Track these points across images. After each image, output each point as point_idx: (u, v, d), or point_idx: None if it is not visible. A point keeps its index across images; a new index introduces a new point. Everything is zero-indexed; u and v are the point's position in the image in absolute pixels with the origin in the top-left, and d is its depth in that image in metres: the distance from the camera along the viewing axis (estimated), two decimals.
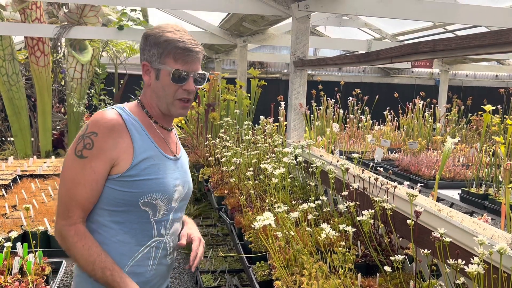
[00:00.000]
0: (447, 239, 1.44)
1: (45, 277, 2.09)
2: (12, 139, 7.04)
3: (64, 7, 6.72)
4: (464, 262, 1.36)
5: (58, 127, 7.49)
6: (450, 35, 6.50)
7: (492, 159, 3.55)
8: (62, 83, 7.49)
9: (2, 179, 3.71)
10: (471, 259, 1.32)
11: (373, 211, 1.83)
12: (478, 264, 1.27)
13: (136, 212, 1.45)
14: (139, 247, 1.48)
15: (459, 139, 3.49)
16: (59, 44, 7.19)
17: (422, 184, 2.51)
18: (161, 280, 1.59)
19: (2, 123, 7.50)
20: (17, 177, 3.85)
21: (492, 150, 3.63)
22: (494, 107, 3.62)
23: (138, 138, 1.46)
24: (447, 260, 1.40)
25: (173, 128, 1.66)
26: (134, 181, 1.42)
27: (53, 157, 5.07)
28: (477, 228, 1.53)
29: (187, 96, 1.51)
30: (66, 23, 6.14)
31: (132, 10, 6.29)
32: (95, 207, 1.44)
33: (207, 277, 3.57)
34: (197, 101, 5.10)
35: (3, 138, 7.56)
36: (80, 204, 1.40)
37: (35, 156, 4.98)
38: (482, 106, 3.69)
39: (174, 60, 1.46)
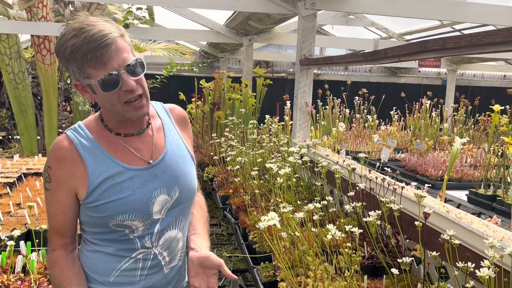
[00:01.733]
0: (456, 241, 1.41)
1: (47, 277, 2.08)
2: (18, 137, 7.07)
3: (70, 5, 6.72)
4: (473, 265, 1.32)
5: (64, 125, 7.51)
6: (457, 34, 6.43)
7: (501, 159, 3.50)
8: (68, 81, 7.51)
9: (7, 177, 3.71)
10: (480, 262, 1.29)
11: (380, 212, 1.80)
12: (489, 268, 1.24)
13: (112, 233, 1.39)
14: (122, 259, 1.41)
15: (468, 139, 3.44)
16: None
17: (429, 185, 2.48)
18: None
19: (9, 121, 7.54)
20: (22, 175, 3.85)
21: (501, 151, 3.58)
22: (502, 107, 3.57)
23: (91, 161, 1.34)
24: (456, 263, 1.37)
25: (147, 127, 1.44)
26: (95, 207, 1.34)
27: None
28: (487, 230, 1.50)
29: (131, 95, 1.29)
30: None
31: (137, 9, 6.28)
32: (80, 227, 1.46)
33: None
34: (202, 100, 5.09)
35: (9, 136, 7.59)
36: (56, 231, 1.41)
37: (40, 154, 4.99)
38: (490, 106, 3.64)
39: (93, 68, 1.24)
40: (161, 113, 1.53)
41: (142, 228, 1.39)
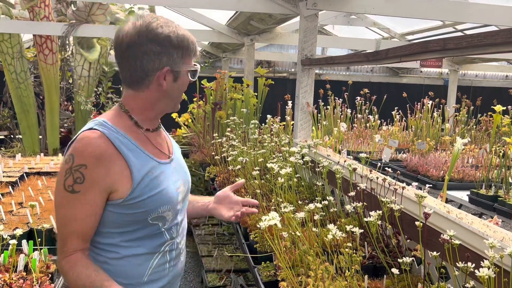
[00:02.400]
0: (457, 242, 1.42)
1: (50, 275, 2.09)
2: (20, 136, 7.09)
3: (72, 5, 6.74)
4: (473, 265, 1.33)
5: (65, 125, 7.53)
6: (459, 34, 6.43)
7: (502, 160, 3.50)
8: (70, 81, 7.53)
9: (9, 176, 3.72)
10: (481, 262, 1.29)
11: (380, 212, 1.80)
12: (489, 268, 1.24)
13: (146, 228, 1.40)
14: (153, 255, 1.44)
15: (469, 139, 3.44)
16: (67, 42, 7.22)
17: (431, 185, 2.47)
18: (177, 278, 1.58)
19: (11, 120, 7.56)
20: (24, 174, 3.86)
21: (502, 151, 3.58)
22: (504, 108, 3.57)
23: (131, 156, 1.35)
24: (457, 263, 1.37)
25: (160, 126, 1.55)
26: (138, 202, 1.35)
27: (60, 154, 5.09)
28: (487, 231, 1.50)
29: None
30: (74, 21, 6.16)
31: (139, 9, 6.30)
32: (102, 231, 1.38)
33: (212, 276, 3.56)
34: (204, 99, 5.10)
35: (12, 136, 7.61)
36: (77, 236, 1.33)
37: (42, 154, 5.00)
38: (492, 107, 3.64)
39: (190, 57, 1.41)
40: None
41: (171, 219, 1.46)
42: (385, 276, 1.78)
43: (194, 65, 1.44)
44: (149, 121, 1.47)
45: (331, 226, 1.72)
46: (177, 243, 1.51)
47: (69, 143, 1.38)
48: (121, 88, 1.51)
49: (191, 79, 1.43)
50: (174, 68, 1.37)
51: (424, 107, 5.73)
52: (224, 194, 1.75)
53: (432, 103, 5.73)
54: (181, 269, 1.60)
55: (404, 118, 6.02)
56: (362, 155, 2.45)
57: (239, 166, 3.07)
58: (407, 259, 1.55)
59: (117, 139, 1.35)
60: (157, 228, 1.42)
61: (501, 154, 3.60)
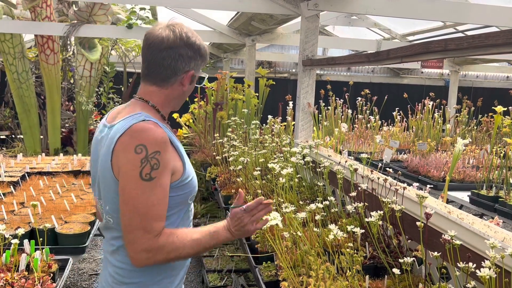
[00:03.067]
0: (458, 242, 1.42)
1: (51, 275, 2.10)
2: (22, 136, 7.10)
3: (74, 5, 6.75)
4: (474, 265, 1.33)
5: (67, 125, 7.53)
6: (460, 35, 6.43)
7: (503, 161, 3.50)
8: (72, 81, 7.54)
9: (11, 176, 3.73)
10: (482, 262, 1.29)
11: (381, 212, 1.80)
12: (490, 268, 1.24)
13: (184, 209, 1.54)
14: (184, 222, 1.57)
15: (470, 140, 3.45)
16: (68, 42, 7.23)
17: (432, 186, 2.48)
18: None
19: (12, 120, 7.57)
20: (26, 174, 3.87)
21: (503, 152, 3.58)
22: (505, 109, 3.57)
23: (176, 142, 1.52)
24: (457, 263, 1.38)
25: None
26: (186, 183, 1.50)
27: (61, 154, 5.10)
28: (488, 231, 1.50)
29: None
30: (75, 21, 6.17)
31: (141, 9, 6.30)
32: None
33: (213, 276, 3.56)
34: (205, 100, 5.10)
35: (13, 135, 7.62)
36: (159, 217, 1.40)
37: (43, 154, 5.01)
38: (493, 107, 3.64)
39: (202, 67, 1.61)
40: None
41: (193, 195, 1.60)
42: (386, 276, 1.78)
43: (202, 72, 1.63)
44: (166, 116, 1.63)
45: (332, 226, 1.73)
46: (191, 222, 1.64)
47: (118, 137, 1.41)
48: (140, 85, 1.61)
49: (197, 84, 1.63)
50: (196, 73, 1.58)
51: (425, 107, 5.73)
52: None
53: (433, 104, 5.73)
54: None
55: (405, 119, 6.02)
56: (363, 155, 2.45)
57: (240, 167, 3.07)
58: (408, 259, 1.55)
59: (164, 128, 1.49)
60: (187, 210, 1.56)
61: (502, 155, 3.60)
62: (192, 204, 1.63)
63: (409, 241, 1.95)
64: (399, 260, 1.59)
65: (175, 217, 1.51)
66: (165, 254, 1.39)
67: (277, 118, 4.28)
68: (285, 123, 4.31)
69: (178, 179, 1.47)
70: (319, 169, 2.62)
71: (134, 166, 1.36)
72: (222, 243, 1.54)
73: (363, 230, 1.82)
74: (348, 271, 1.68)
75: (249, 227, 1.51)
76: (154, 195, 1.38)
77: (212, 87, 5.04)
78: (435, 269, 1.73)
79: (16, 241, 2.09)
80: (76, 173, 4.04)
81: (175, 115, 5.10)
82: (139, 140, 1.38)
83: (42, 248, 2.23)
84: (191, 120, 5.31)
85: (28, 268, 2.10)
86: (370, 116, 5.74)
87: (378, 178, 2.10)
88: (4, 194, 3.22)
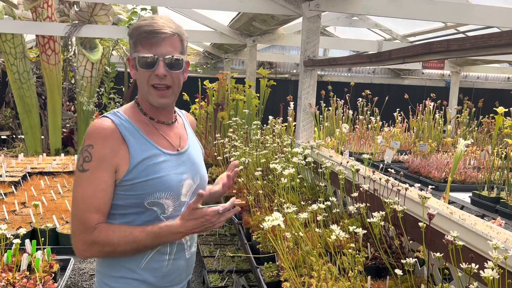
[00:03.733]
0: (460, 243, 1.42)
1: (53, 274, 2.09)
2: (23, 136, 7.10)
3: (75, 5, 6.76)
4: (477, 266, 1.33)
5: (68, 125, 7.54)
6: (461, 36, 6.42)
7: (504, 161, 3.50)
8: (72, 81, 7.54)
9: (12, 176, 3.73)
10: (484, 263, 1.29)
11: (383, 213, 1.80)
12: (493, 269, 1.24)
13: (144, 213, 1.46)
14: None
15: (472, 140, 3.44)
16: (69, 42, 7.24)
17: (433, 187, 2.47)
18: (182, 274, 1.60)
19: (13, 120, 7.58)
20: (27, 174, 3.87)
21: (504, 153, 3.57)
22: (506, 109, 3.57)
23: (132, 142, 1.45)
24: (460, 264, 1.37)
25: (175, 121, 1.62)
26: (134, 184, 1.43)
27: (62, 154, 5.10)
28: (491, 232, 1.50)
29: (158, 81, 1.46)
30: (77, 21, 6.17)
31: (142, 9, 6.31)
32: (112, 212, 1.47)
33: (214, 277, 3.56)
34: (206, 100, 5.10)
35: (14, 136, 7.63)
36: (95, 211, 1.40)
37: (44, 154, 5.01)
38: (494, 108, 3.64)
39: (142, 46, 1.44)
40: (180, 114, 1.72)
41: (172, 209, 1.50)
42: (388, 277, 1.78)
43: (143, 55, 1.43)
44: (155, 113, 1.54)
45: (334, 227, 1.72)
46: None
47: None
48: None
49: (140, 68, 1.45)
50: (132, 56, 1.48)
51: (426, 108, 5.73)
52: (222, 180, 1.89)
53: (433, 105, 5.73)
54: (186, 266, 1.61)
55: (405, 120, 6.02)
56: (365, 156, 2.45)
57: (241, 167, 3.07)
58: (411, 260, 1.55)
59: (123, 125, 1.46)
60: (156, 216, 1.47)
61: (503, 155, 3.60)
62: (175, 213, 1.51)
63: (411, 241, 1.94)
64: (401, 260, 1.59)
65: (133, 217, 1.46)
66: (99, 247, 1.39)
67: (278, 118, 4.27)
68: (286, 124, 4.30)
69: (121, 177, 1.42)
70: (320, 170, 2.62)
71: (76, 160, 1.47)
72: (171, 242, 1.49)
73: (365, 231, 1.82)
74: (350, 271, 1.67)
75: (213, 226, 1.48)
76: (89, 187, 1.39)
77: (213, 88, 5.04)
78: (437, 270, 1.72)
79: (17, 241, 2.09)
80: None
81: None
82: (85, 135, 1.45)
83: (44, 248, 2.23)
84: None
85: (29, 268, 2.10)
86: (371, 117, 5.74)
87: (380, 179, 2.10)
88: (5, 194, 3.22)
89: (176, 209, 1.52)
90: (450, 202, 3.40)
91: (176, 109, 1.69)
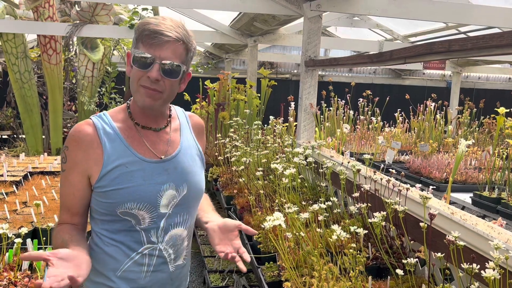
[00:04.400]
0: (461, 243, 1.42)
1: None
2: (24, 136, 7.11)
3: (76, 5, 6.77)
4: (478, 266, 1.33)
5: (69, 124, 7.55)
6: (462, 36, 6.41)
7: (505, 162, 3.50)
8: (74, 81, 7.55)
9: (13, 176, 3.74)
10: (485, 263, 1.29)
11: (384, 213, 1.80)
12: (494, 269, 1.24)
13: (119, 221, 1.41)
14: (130, 253, 1.43)
15: (473, 141, 3.43)
16: (71, 42, 7.25)
17: (434, 187, 2.48)
18: (162, 286, 1.49)
19: (14, 120, 7.59)
20: (28, 174, 3.87)
21: (505, 153, 3.57)
22: (507, 110, 3.57)
23: (109, 146, 1.39)
24: (461, 264, 1.37)
25: (166, 126, 1.50)
26: (105, 192, 1.38)
27: None
28: (492, 232, 1.50)
29: (149, 84, 1.35)
30: (78, 21, 6.18)
31: (143, 9, 6.31)
32: (91, 215, 1.48)
33: (215, 276, 3.56)
34: (207, 100, 5.11)
35: (15, 135, 7.64)
36: (66, 210, 1.44)
37: (46, 153, 5.01)
38: (495, 109, 3.64)
39: (142, 44, 1.35)
40: (181, 117, 1.59)
41: (148, 221, 1.42)
42: (389, 277, 1.78)
43: (140, 52, 1.35)
44: (142, 118, 1.45)
45: (335, 227, 1.73)
46: (160, 250, 1.45)
47: None
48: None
49: (135, 66, 1.36)
50: (131, 51, 1.41)
51: (427, 109, 5.73)
52: (228, 228, 1.51)
53: (434, 105, 5.73)
54: (170, 279, 1.50)
55: (406, 120, 6.02)
56: (366, 156, 2.45)
57: (242, 167, 3.07)
58: (412, 260, 1.55)
59: (103, 128, 1.41)
60: (131, 226, 1.41)
61: (504, 156, 3.59)
62: (157, 227, 1.43)
63: (412, 242, 1.95)
64: (402, 261, 1.59)
65: (109, 224, 1.42)
66: (53, 239, 1.43)
67: (279, 118, 4.28)
68: (287, 124, 4.31)
69: (93, 183, 1.39)
70: (321, 170, 2.62)
71: None
72: None
73: (366, 231, 1.82)
74: (351, 271, 1.67)
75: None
76: (63, 186, 1.43)
77: (214, 88, 5.04)
78: (438, 270, 1.72)
79: (19, 240, 2.09)
80: None
81: None
82: None
83: (45, 248, 2.23)
84: None
85: (31, 267, 2.10)
86: (372, 117, 5.74)
87: (381, 179, 2.10)
88: (6, 194, 3.22)
89: (153, 221, 1.42)
90: (451, 203, 3.40)
91: (178, 109, 1.61)
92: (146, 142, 1.45)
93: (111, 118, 1.45)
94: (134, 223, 1.40)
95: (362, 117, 5.63)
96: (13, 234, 2.16)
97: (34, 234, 2.51)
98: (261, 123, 4.12)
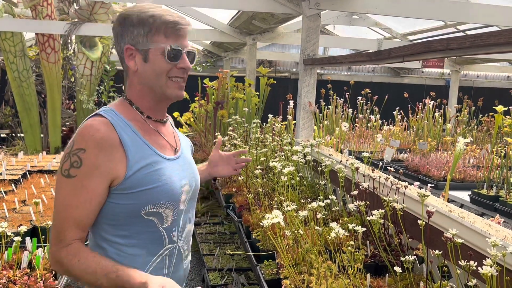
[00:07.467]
0: (459, 240, 1.42)
1: (53, 272, 2.10)
2: (22, 134, 7.11)
3: (74, 4, 6.76)
4: (476, 263, 1.34)
5: (67, 123, 7.55)
6: (461, 35, 6.42)
7: (504, 160, 3.51)
8: (72, 79, 7.55)
9: (12, 174, 3.74)
10: (483, 260, 1.30)
11: (383, 211, 1.81)
12: (491, 266, 1.25)
13: (141, 223, 1.33)
14: (150, 258, 1.37)
15: (471, 139, 3.45)
16: (69, 41, 7.24)
17: (432, 185, 2.48)
18: (181, 284, 1.47)
19: (13, 119, 7.58)
20: (27, 172, 3.87)
21: (504, 152, 3.58)
22: (506, 108, 3.58)
23: (130, 146, 1.31)
24: (459, 262, 1.38)
25: (167, 119, 1.51)
26: (132, 193, 1.29)
27: (62, 153, 5.10)
28: (490, 230, 1.51)
29: (182, 75, 1.37)
30: (76, 20, 6.17)
31: None
32: (99, 223, 1.33)
33: (214, 275, 3.56)
34: (205, 99, 5.11)
35: (14, 134, 7.63)
36: (75, 224, 1.26)
37: (44, 152, 5.01)
38: (493, 107, 3.64)
39: (165, 37, 1.32)
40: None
41: (171, 218, 1.38)
42: (387, 274, 1.79)
43: (178, 47, 1.34)
44: (153, 111, 1.42)
45: (333, 225, 1.73)
46: (178, 249, 1.43)
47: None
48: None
49: (168, 60, 1.33)
50: (138, 46, 1.34)
51: (426, 107, 5.74)
52: (215, 157, 1.92)
53: (433, 104, 5.74)
54: (184, 276, 1.51)
55: (405, 118, 6.03)
56: (364, 154, 2.45)
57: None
58: (410, 258, 1.56)
59: (119, 126, 1.32)
60: (153, 225, 1.35)
61: (502, 154, 3.60)
62: (178, 224, 1.40)
63: (410, 239, 1.95)
64: (401, 258, 1.60)
65: (127, 230, 1.32)
66: (62, 271, 1.28)
67: (278, 117, 4.28)
68: (286, 122, 4.31)
69: (115, 186, 1.28)
70: (320, 168, 2.63)
71: (61, 160, 1.29)
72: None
73: (365, 229, 1.83)
74: (349, 269, 1.68)
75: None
76: (74, 195, 1.25)
77: (213, 86, 5.04)
78: (436, 268, 1.73)
79: (18, 238, 2.10)
80: None
81: (176, 114, 5.10)
82: (74, 135, 1.30)
83: (44, 246, 2.23)
84: (191, 119, 5.30)
85: (30, 265, 2.10)
86: (371, 116, 5.74)
87: (380, 177, 2.10)
88: (5, 192, 3.22)
89: (175, 218, 1.40)
90: (449, 201, 3.41)
91: None
92: (162, 136, 1.43)
93: (120, 112, 1.37)
94: (157, 222, 1.35)
95: (361, 116, 5.63)
96: (12, 233, 2.16)
97: (33, 232, 2.51)
98: (260, 121, 4.12)
